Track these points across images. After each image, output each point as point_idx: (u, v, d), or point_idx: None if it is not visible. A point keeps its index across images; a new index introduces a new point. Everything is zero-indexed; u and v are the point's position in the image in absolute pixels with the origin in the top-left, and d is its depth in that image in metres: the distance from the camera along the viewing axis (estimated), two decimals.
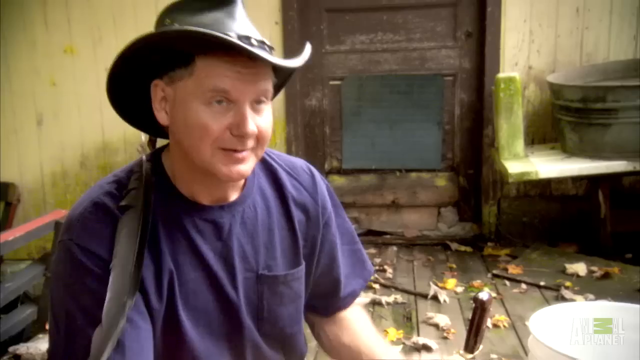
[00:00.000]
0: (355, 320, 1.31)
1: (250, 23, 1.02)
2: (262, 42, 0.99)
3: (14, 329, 2.57)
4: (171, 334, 1.06)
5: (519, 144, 3.22)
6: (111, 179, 1.07)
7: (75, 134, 3.77)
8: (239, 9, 1.01)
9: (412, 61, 3.73)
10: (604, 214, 3.27)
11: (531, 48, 3.52)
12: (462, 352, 1.22)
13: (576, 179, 3.46)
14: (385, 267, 3.29)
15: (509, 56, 3.54)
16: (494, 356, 2.30)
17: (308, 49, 1.07)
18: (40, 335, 2.59)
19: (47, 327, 2.61)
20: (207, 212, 1.08)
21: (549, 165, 3.14)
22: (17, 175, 3.79)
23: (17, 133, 3.81)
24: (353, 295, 1.31)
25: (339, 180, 3.83)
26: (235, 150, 0.99)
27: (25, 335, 2.67)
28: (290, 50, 3.60)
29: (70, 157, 3.82)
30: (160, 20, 1.02)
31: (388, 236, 3.82)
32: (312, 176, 1.22)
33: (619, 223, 3.29)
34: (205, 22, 0.96)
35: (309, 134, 3.86)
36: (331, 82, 3.80)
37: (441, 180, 3.84)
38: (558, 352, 1.23)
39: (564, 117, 3.23)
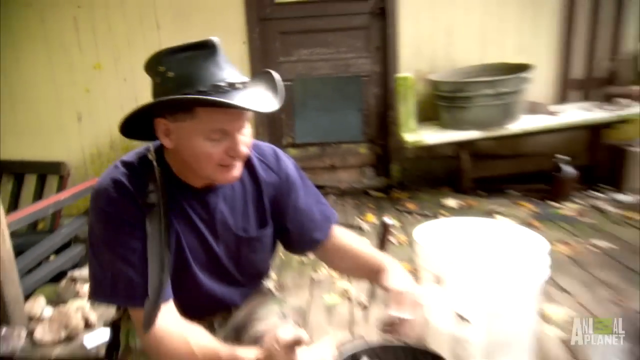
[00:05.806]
0: (343, 235, 1.21)
1: (230, 63, 0.91)
2: (244, 83, 0.91)
3: (70, 261, 2.58)
4: (186, 276, 1.04)
5: (413, 122, 3.25)
6: (125, 161, 1.01)
7: (104, 126, 3.69)
8: (221, 55, 0.90)
9: (340, 67, 3.72)
10: (466, 167, 3.37)
11: (419, 57, 3.55)
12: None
13: (449, 145, 3.42)
14: None
15: (404, 63, 3.55)
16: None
17: (281, 87, 1.00)
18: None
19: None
20: (198, 194, 1.03)
21: (432, 135, 3.19)
22: (66, 156, 3.69)
23: (64, 127, 3.72)
24: (328, 221, 1.17)
25: (293, 151, 3.79)
26: (231, 165, 0.96)
27: (78, 265, 2.70)
28: (255, 62, 3.58)
29: (102, 142, 3.75)
30: (154, 66, 0.90)
31: (328, 188, 3.80)
32: (277, 158, 1.14)
33: (476, 172, 3.39)
34: (198, 74, 0.87)
35: (271, 120, 3.81)
36: (285, 83, 3.76)
37: (363, 149, 3.83)
38: (432, 248, 1.30)
39: (440, 102, 3.28)
